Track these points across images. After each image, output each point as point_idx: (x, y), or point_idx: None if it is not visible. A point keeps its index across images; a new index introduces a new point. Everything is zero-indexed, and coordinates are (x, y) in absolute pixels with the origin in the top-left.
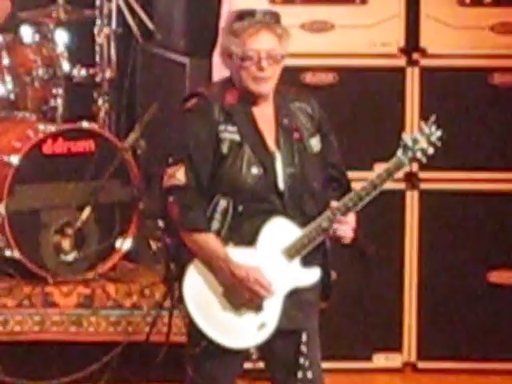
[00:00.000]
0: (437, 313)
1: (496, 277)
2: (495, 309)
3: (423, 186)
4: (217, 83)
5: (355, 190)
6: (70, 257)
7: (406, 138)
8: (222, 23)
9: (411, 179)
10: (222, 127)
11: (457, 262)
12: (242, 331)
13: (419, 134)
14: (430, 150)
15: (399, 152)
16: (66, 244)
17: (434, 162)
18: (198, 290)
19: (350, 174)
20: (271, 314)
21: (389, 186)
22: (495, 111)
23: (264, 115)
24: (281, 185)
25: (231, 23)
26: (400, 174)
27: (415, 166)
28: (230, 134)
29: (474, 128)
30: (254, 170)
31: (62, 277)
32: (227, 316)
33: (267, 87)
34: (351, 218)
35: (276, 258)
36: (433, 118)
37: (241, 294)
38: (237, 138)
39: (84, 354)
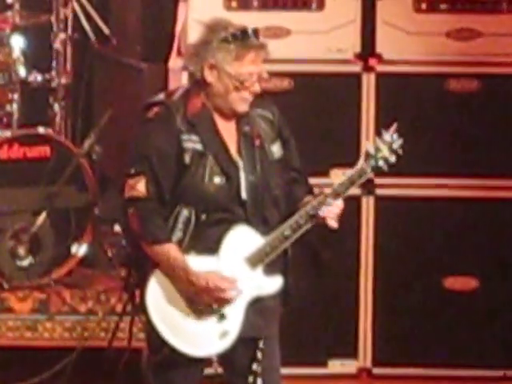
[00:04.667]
0: (392, 318)
1: (452, 283)
2: (451, 315)
3: (379, 191)
4: (178, 91)
5: (317, 198)
6: (26, 262)
7: (369, 146)
8: (179, 28)
9: (367, 185)
10: (184, 137)
11: (412, 268)
12: (204, 340)
13: (381, 143)
14: (392, 159)
15: (361, 160)
16: (22, 249)
17: (390, 168)
18: (160, 299)
19: None
20: (233, 322)
21: None
22: (451, 117)
23: (226, 123)
24: (243, 194)
25: (225, 41)
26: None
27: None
28: (192, 143)
29: (429, 134)
30: (217, 180)
31: (17, 282)
32: (189, 325)
33: (248, 106)
34: (339, 203)
35: (239, 267)
36: (394, 126)
37: (203, 302)
38: (199, 147)
39: (39, 359)
